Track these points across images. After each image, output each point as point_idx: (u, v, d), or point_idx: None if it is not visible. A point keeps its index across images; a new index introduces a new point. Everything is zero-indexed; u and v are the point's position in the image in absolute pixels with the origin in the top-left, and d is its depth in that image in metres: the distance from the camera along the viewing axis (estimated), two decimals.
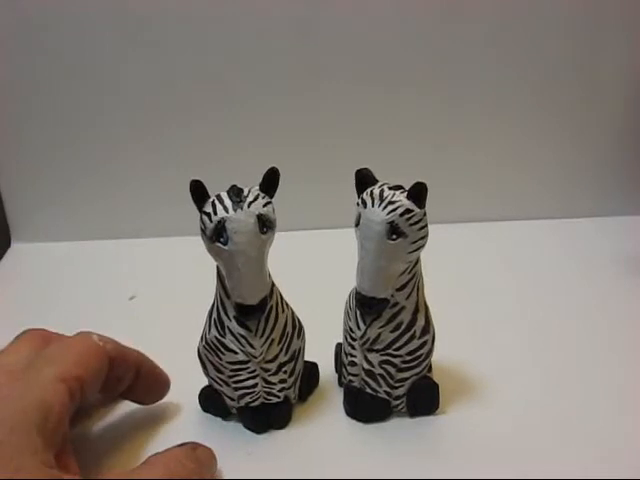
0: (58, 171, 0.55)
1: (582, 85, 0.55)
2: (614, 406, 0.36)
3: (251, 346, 0.32)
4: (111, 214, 0.57)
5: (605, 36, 0.53)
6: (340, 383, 0.37)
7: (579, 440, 0.33)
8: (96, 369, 0.30)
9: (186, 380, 0.37)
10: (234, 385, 0.34)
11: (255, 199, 0.30)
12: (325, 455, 0.33)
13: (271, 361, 0.33)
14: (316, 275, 0.47)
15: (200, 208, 0.30)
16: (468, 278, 0.50)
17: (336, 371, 0.38)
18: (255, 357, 0.32)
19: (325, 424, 0.35)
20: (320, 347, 0.37)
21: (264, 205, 0.30)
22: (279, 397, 0.34)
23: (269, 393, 0.34)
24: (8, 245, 0.57)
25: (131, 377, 0.33)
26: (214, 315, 0.32)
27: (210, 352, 0.33)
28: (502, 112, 0.55)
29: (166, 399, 0.36)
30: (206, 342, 0.33)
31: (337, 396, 0.37)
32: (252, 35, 0.51)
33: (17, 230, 0.57)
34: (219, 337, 0.32)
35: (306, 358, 0.36)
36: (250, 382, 0.33)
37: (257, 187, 0.30)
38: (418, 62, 0.53)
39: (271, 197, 0.31)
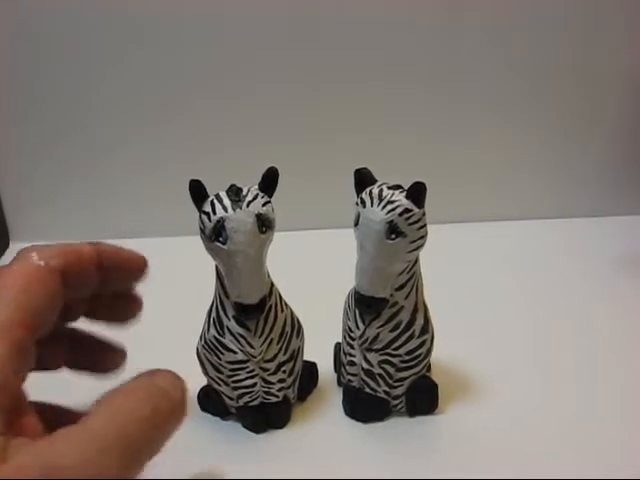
0: (57, 171, 0.55)
1: (582, 85, 0.55)
2: (614, 406, 0.36)
3: (250, 346, 0.32)
4: (109, 214, 0.57)
5: (605, 36, 0.53)
6: (339, 383, 0.37)
7: (579, 440, 0.33)
8: (42, 300, 0.25)
9: (185, 379, 0.37)
10: (233, 384, 0.34)
11: (254, 198, 0.30)
12: (324, 455, 0.33)
13: (270, 361, 0.33)
14: (315, 275, 0.47)
15: (199, 208, 0.30)
16: (467, 278, 0.50)
17: (335, 371, 0.38)
18: (254, 357, 0.32)
19: (324, 424, 0.35)
20: (319, 347, 0.37)
21: (263, 204, 0.30)
22: (278, 397, 0.34)
23: (268, 393, 0.34)
24: (7, 245, 0.57)
25: (94, 276, 0.27)
26: (213, 315, 0.32)
27: (209, 352, 0.33)
28: (501, 112, 0.55)
29: None
30: (205, 342, 0.33)
31: (336, 396, 0.37)
32: (252, 34, 0.51)
33: (15, 230, 0.57)
34: (218, 337, 0.32)
35: (305, 358, 0.36)
36: (249, 382, 0.33)
37: (256, 187, 0.30)
38: (418, 62, 0.53)
39: (270, 197, 0.31)
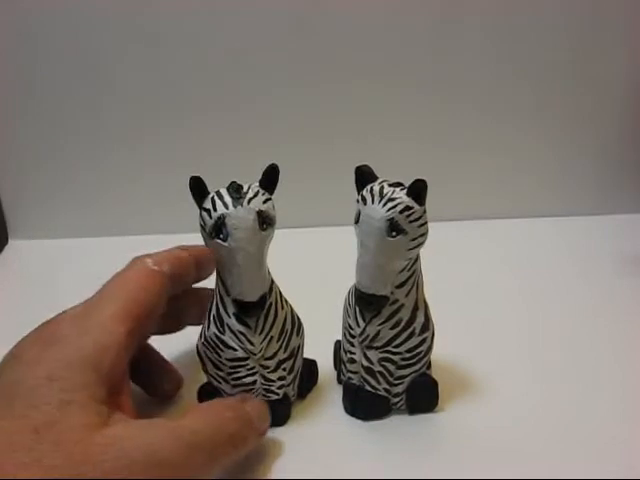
0: (56, 168, 0.55)
1: (582, 83, 0.55)
2: (614, 405, 0.36)
3: (250, 343, 0.32)
4: (109, 211, 0.57)
5: (605, 35, 0.53)
6: (339, 380, 0.37)
7: (579, 439, 0.33)
8: (154, 298, 0.30)
9: (185, 377, 0.37)
10: (233, 382, 0.33)
11: (255, 195, 0.29)
12: (324, 453, 0.33)
13: (270, 358, 0.33)
14: (315, 272, 0.47)
15: (199, 204, 0.30)
16: (468, 276, 0.50)
17: (335, 368, 0.38)
18: (254, 354, 0.32)
19: (324, 422, 0.35)
20: (319, 344, 0.37)
21: (264, 202, 0.30)
22: (278, 394, 0.34)
23: (268, 390, 0.34)
24: (5, 242, 0.57)
25: (193, 278, 0.33)
26: (213, 312, 0.32)
27: (209, 349, 0.33)
28: (502, 109, 0.55)
29: None
30: (205, 339, 0.33)
31: (336, 393, 0.36)
32: (252, 32, 0.51)
33: (15, 227, 0.57)
34: (218, 334, 0.32)
35: (305, 355, 0.36)
36: (249, 379, 0.33)
37: (257, 184, 0.30)
38: (418, 59, 0.53)
39: (271, 194, 0.31)
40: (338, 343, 0.38)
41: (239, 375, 0.33)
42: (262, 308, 0.31)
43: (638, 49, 0.54)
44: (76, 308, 0.29)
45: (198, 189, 0.30)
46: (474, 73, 0.54)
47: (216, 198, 0.29)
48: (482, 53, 0.53)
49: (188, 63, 0.52)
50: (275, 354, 0.33)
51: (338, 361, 0.37)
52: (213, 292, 0.32)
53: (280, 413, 0.34)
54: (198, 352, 0.34)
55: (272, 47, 0.52)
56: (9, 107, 0.53)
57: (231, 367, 0.33)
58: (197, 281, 0.34)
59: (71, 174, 0.55)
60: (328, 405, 0.36)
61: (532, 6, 0.52)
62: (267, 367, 0.33)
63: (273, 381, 0.34)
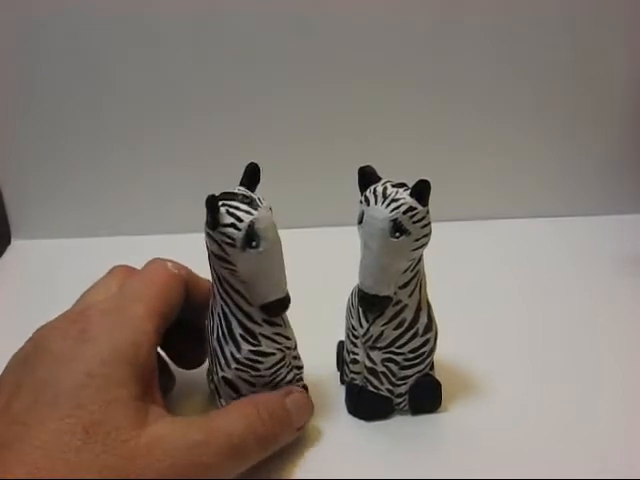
0: (58, 168, 0.55)
1: (582, 83, 0.55)
2: (615, 406, 0.36)
3: (287, 338, 0.32)
4: (111, 211, 0.57)
5: (605, 35, 0.53)
6: (342, 381, 0.37)
7: (579, 440, 0.33)
8: (176, 299, 0.31)
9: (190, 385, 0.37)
10: (274, 388, 0.33)
11: (256, 197, 0.30)
12: (326, 453, 0.33)
13: (296, 346, 0.33)
14: (319, 272, 0.47)
15: (216, 224, 0.28)
16: (470, 276, 0.50)
17: (338, 369, 0.38)
18: (291, 348, 0.32)
19: (327, 422, 0.35)
20: (322, 345, 0.37)
21: (264, 198, 0.30)
22: (303, 381, 0.34)
23: (299, 379, 0.34)
24: (8, 242, 0.57)
25: (202, 301, 0.33)
26: (237, 332, 0.31)
27: (244, 371, 0.31)
28: (503, 110, 0.55)
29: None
30: (239, 363, 0.31)
31: (339, 394, 0.36)
32: (252, 33, 0.51)
33: (17, 227, 0.57)
34: (254, 348, 0.31)
35: (308, 356, 0.36)
36: (290, 376, 0.33)
37: (241, 187, 0.30)
38: (418, 59, 0.53)
39: (253, 192, 0.30)
40: (341, 344, 0.38)
41: (281, 377, 0.33)
42: (290, 299, 0.31)
43: (638, 49, 0.54)
44: (104, 303, 0.29)
45: (216, 207, 0.28)
46: (474, 73, 0.54)
47: (233, 210, 0.28)
48: (482, 53, 0.53)
49: (188, 63, 0.52)
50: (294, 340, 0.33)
51: (341, 362, 0.37)
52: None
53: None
54: (228, 382, 0.32)
55: (272, 47, 0.52)
56: (10, 108, 0.53)
57: (272, 374, 0.32)
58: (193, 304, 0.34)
59: (73, 174, 0.55)
60: (331, 406, 0.36)
61: (532, 6, 0.52)
62: (296, 356, 0.33)
63: (302, 367, 0.34)
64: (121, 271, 0.33)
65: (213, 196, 0.28)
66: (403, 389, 0.34)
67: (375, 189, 0.30)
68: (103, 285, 0.32)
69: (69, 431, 0.23)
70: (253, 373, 0.32)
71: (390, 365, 0.34)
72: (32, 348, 0.27)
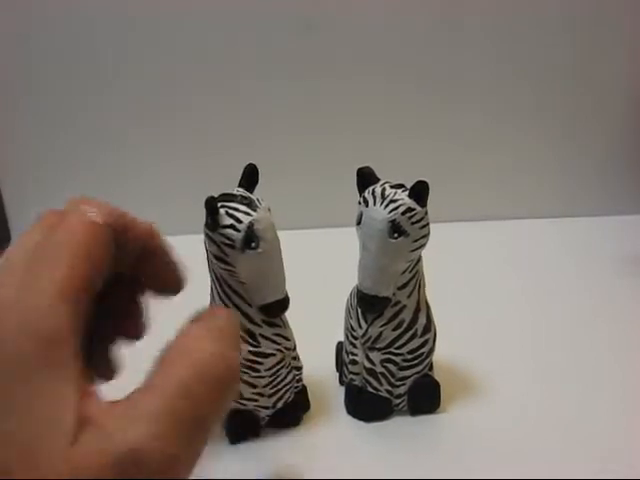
0: (58, 166, 0.55)
1: (583, 86, 0.55)
2: (615, 406, 0.36)
3: (286, 339, 0.32)
4: None
5: (605, 35, 0.53)
6: (341, 382, 0.37)
7: (579, 440, 0.33)
8: (100, 256, 0.24)
9: None
10: (274, 389, 0.33)
11: (255, 198, 0.30)
12: (326, 453, 0.33)
13: (295, 347, 0.33)
14: (317, 273, 0.47)
15: (216, 225, 0.29)
16: (469, 277, 0.50)
17: (337, 370, 0.38)
18: (291, 348, 0.33)
19: (326, 422, 0.35)
20: (321, 345, 0.37)
21: (263, 199, 0.30)
22: (302, 380, 0.34)
23: (298, 380, 0.34)
24: (8, 239, 0.57)
25: (137, 251, 0.26)
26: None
27: (245, 372, 0.32)
28: (504, 112, 0.55)
29: None
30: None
31: (338, 395, 0.36)
32: (253, 34, 0.51)
33: (17, 226, 0.57)
34: (254, 349, 0.31)
35: (308, 356, 0.36)
36: (289, 376, 0.33)
37: (240, 188, 0.30)
38: (420, 60, 0.53)
39: (252, 193, 0.30)
40: (340, 344, 0.38)
41: (281, 378, 0.33)
42: (289, 299, 0.31)
43: (638, 49, 0.54)
44: (6, 285, 0.22)
45: (215, 209, 0.28)
46: (474, 73, 0.54)
47: (232, 212, 0.29)
48: (482, 53, 0.53)
49: (188, 64, 0.52)
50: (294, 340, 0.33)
51: (340, 362, 0.37)
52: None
53: (306, 399, 0.35)
54: None
55: (273, 47, 0.52)
56: (12, 107, 0.53)
57: (272, 375, 0.32)
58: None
59: (73, 175, 0.55)
60: (330, 406, 0.36)
61: (532, 6, 0.52)
62: (294, 357, 0.33)
63: (301, 367, 0.34)
64: (48, 219, 0.25)
65: (212, 197, 0.28)
66: (402, 390, 0.34)
67: (374, 190, 0.31)
68: (27, 238, 0.24)
69: None
70: (253, 374, 0.32)
71: (389, 366, 0.34)
72: None
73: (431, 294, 0.34)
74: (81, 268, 0.23)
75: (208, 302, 0.33)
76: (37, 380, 0.20)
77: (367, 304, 0.32)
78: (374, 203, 0.30)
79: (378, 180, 0.31)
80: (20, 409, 0.19)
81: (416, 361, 0.34)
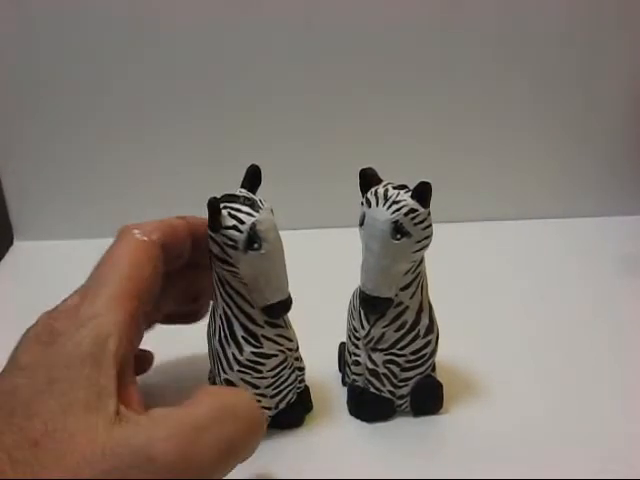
0: (61, 169, 0.55)
1: (583, 86, 0.55)
2: (615, 406, 0.36)
3: (289, 340, 0.32)
4: (114, 212, 0.57)
5: (605, 37, 0.53)
6: (344, 382, 0.37)
7: (581, 440, 0.33)
8: (149, 270, 0.28)
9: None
10: (277, 389, 0.33)
11: (257, 198, 0.30)
12: (328, 454, 0.33)
13: (298, 347, 0.33)
14: (320, 274, 0.47)
15: (218, 226, 0.29)
16: (472, 277, 0.50)
17: (340, 370, 0.38)
18: (293, 349, 0.33)
19: (329, 423, 0.35)
20: (324, 346, 0.37)
21: (265, 200, 0.30)
22: (305, 381, 0.34)
23: (301, 380, 0.34)
24: (11, 243, 0.57)
25: (188, 248, 0.31)
26: (239, 334, 0.31)
27: (247, 372, 0.32)
28: (505, 112, 0.55)
29: None
30: (241, 365, 0.31)
31: (341, 395, 0.36)
32: (254, 35, 0.51)
33: (20, 228, 0.57)
34: (256, 350, 0.31)
35: (310, 357, 0.36)
36: (292, 377, 0.33)
37: (243, 189, 0.30)
38: (421, 62, 0.53)
39: (254, 194, 0.31)
40: (343, 345, 0.38)
41: (284, 378, 0.33)
42: (292, 300, 0.31)
43: (638, 49, 0.54)
44: (73, 298, 0.27)
45: (218, 209, 0.28)
46: (474, 73, 0.54)
47: (235, 212, 0.29)
48: (482, 53, 0.53)
49: (189, 64, 0.52)
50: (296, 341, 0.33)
51: (342, 363, 0.37)
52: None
53: (309, 398, 0.35)
54: (230, 384, 0.32)
55: (273, 48, 0.52)
56: (13, 110, 0.53)
57: (274, 375, 0.32)
58: (194, 253, 0.32)
59: (75, 176, 0.55)
60: (332, 407, 0.36)
61: (532, 6, 0.52)
62: (297, 358, 0.33)
63: (304, 368, 0.34)
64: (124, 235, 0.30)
65: (215, 198, 0.29)
66: (405, 391, 0.34)
67: (376, 191, 0.31)
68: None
69: (19, 445, 0.21)
70: (255, 375, 0.32)
71: (392, 367, 0.34)
72: (9, 359, 0.25)
73: (433, 295, 0.34)
74: (130, 281, 0.27)
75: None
76: (86, 373, 0.23)
77: (369, 305, 0.32)
78: (377, 204, 0.30)
79: (381, 181, 0.32)
80: (70, 391, 0.23)
81: (419, 362, 0.34)
